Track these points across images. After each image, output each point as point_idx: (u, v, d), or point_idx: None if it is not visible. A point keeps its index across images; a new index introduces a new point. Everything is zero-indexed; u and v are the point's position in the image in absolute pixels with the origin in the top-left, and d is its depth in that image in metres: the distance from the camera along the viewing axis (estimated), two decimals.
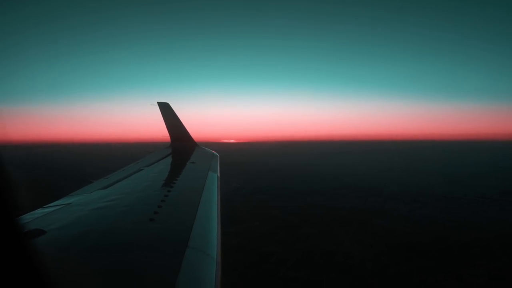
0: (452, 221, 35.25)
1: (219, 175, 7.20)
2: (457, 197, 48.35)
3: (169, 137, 11.59)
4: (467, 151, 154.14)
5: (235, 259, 24.26)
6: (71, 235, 2.81)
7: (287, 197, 46.97)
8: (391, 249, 27.29)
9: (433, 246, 27.89)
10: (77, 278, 1.99)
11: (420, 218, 36.30)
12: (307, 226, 33.53)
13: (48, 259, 1.03)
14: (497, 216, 37.39)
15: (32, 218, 3.47)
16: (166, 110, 11.82)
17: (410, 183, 59.01)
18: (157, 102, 12.09)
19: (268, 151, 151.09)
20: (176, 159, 8.95)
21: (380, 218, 36.20)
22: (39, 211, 3.84)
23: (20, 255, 0.91)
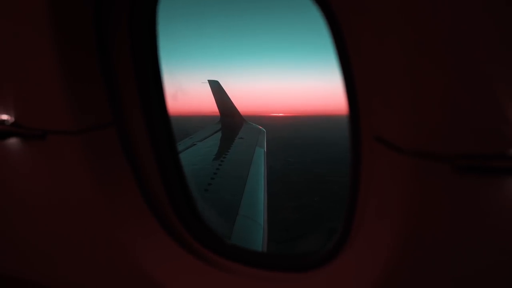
0: None
1: (265, 150, 7.68)
2: None
3: (218, 112, 12.33)
4: None
5: (299, 235, 24.09)
6: None
7: (345, 172, 45.54)
8: None
9: None
10: None
11: None
12: None
13: None
14: None
15: None
16: (216, 87, 12.38)
17: None
18: (208, 80, 12.71)
19: (320, 124, 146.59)
20: (225, 135, 9.51)
21: None
22: None
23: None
